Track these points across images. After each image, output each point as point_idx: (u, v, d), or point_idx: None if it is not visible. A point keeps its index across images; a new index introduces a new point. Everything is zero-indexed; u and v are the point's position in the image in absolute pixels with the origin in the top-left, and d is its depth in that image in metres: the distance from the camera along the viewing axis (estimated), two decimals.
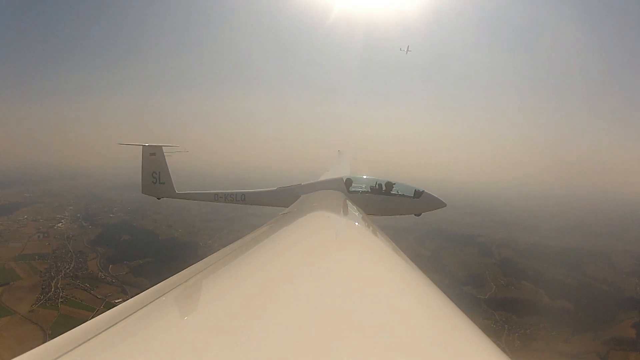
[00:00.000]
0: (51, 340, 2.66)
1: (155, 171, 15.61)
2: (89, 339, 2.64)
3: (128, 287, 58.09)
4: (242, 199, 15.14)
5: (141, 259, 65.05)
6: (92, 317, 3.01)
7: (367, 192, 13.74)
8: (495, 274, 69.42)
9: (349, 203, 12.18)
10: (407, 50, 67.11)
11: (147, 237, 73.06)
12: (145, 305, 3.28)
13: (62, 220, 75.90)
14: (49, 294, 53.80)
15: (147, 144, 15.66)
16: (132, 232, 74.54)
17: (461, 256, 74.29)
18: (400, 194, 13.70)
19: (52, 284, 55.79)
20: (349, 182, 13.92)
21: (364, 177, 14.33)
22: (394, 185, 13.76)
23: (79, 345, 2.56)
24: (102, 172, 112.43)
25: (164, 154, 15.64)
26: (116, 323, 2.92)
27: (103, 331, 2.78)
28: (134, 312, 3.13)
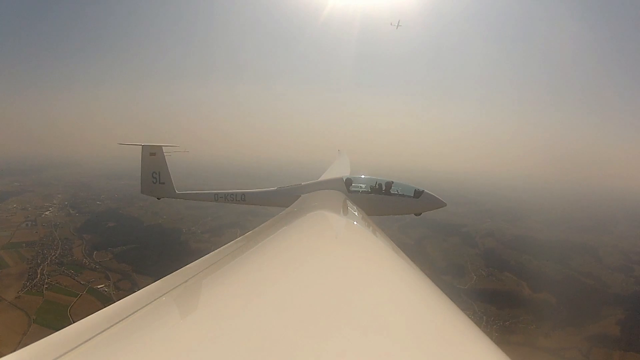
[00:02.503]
0: (51, 337, 2.85)
1: (155, 171, 16.22)
2: (89, 339, 2.82)
3: (111, 273, 65.07)
4: (242, 199, 15.82)
5: (125, 246, 71.84)
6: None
7: (367, 192, 14.44)
8: (477, 265, 72.01)
9: (349, 203, 12.85)
10: (398, 25, 68.18)
11: (132, 224, 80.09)
12: (145, 305, 3.44)
13: (50, 209, 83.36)
14: (35, 281, 61.23)
15: (147, 144, 16.27)
16: (117, 219, 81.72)
17: (444, 246, 77.20)
18: (400, 194, 14.40)
19: (38, 271, 63.20)
20: (349, 182, 14.67)
21: (364, 177, 15.04)
22: (393, 185, 14.45)
23: (79, 345, 2.73)
24: (91, 161, 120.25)
25: (164, 154, 16.29)
26: (116, 323, 3.08)
27: (103, 331, 2.95)
28: (134, 312, 3.29)
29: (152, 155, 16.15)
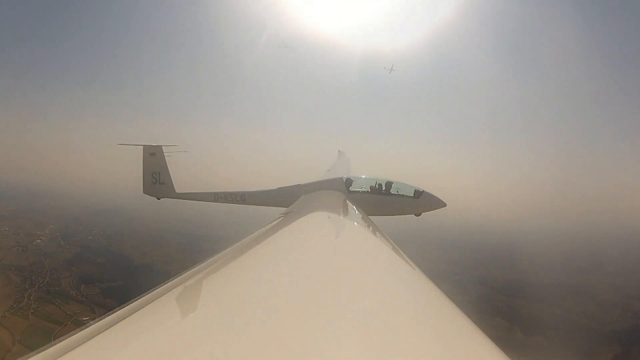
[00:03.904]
0: (50, 344, 2.93)
1: (155, 171, 16.63)
2: (89, 339, 2.92)
3: (97, 308, 64.98)
4: (242, 199, 16.04)
5: (112, 282, 72.73)
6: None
7: (367, 192, 14.74)
8: (468, 312, 74.25)
9: (349, 203, 13.11)
10: (391, 69, 71.58)
11: (122, 262, 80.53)
12: (145, 306, 3.61)
13: (42, 237, 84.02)
14: (22, 304, 61.86)
15: (147, 144, 16.84)
16: (107, 255, 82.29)
17: None
18: (400, 194, 14.66)
19: (25, 296, 63.82)
20: (349, 182, 14.92)
21: (364, 177, 15.34)
22: (393, 185, 14.70)
23: (79, 345, 2.84)
24: (85, 194, 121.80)
25: (164, 154, 16.76)
26: (116, 323, 3.22)
27: (103, 331, 3.07)
28: (134, 312, 3.45)
29: (152, 156, 16.69)
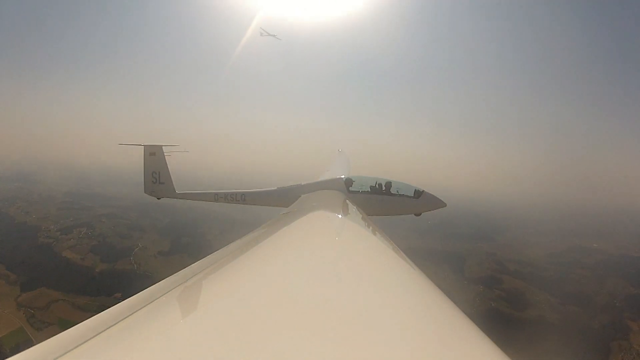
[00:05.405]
0: (50, 339, 2.93)
1: (155, 171, 16.74)
2: (89, 339, 2.91)
3: (100, 298, 66.70)
4: (242, 199, 16.20)
5: (115, 263, 76.35)
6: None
7: (367, 192, 14.80)
8: (467, 312, 73.49)
9: (349, 203, 13.17)
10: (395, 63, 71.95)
11: (128, 247, 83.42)
12: (145, 305, 3.62)
13: (50, 219, 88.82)
14: (26, 282, 66.16)
15: (147, 144, 16.93)
16: (111, 245, 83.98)
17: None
18: (400, 194, 14.75)
19: (31, 276, 67.37)
20: (348, 181, 15.01)
21: (364, 177, 15.36)
22: (393, 185, 14.81)
23: (79, 345, 2.82)
24: (97, 181, 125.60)
25: (164, 154, 16.89)
26: (116, 323, 3.22)
27: (103, 331, 3.06)
28: (134, 312, 3.46)
29: (152, 155, 16.79)
